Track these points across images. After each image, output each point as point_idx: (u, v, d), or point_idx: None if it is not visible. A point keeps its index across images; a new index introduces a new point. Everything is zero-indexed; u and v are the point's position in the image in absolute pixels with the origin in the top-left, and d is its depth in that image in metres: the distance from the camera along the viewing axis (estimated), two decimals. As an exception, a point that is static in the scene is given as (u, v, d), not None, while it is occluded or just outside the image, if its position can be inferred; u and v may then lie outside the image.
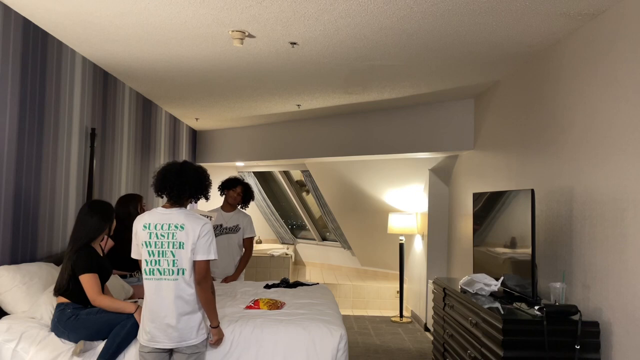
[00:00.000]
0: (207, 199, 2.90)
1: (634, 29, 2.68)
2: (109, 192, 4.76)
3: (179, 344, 2.69)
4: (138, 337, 2.79)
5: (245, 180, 4.92)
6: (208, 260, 2.73)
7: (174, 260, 2.69)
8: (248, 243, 4.75)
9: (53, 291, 3.06)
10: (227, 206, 4.77)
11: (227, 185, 4.75)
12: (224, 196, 4.80)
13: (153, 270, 2.70)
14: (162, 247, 2.71)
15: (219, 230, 4.69)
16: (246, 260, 4.75)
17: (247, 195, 4.78)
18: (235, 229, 4.72)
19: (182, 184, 2.74)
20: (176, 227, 2.71)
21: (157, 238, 2.71)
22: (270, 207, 9.64)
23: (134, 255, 2.82)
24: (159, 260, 2.70)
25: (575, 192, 3.21)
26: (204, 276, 2.73)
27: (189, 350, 2.71)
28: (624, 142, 2.73)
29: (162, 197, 2.82)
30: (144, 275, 2.74)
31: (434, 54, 3.88)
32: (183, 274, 2.70)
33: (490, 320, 3.06)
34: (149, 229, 2.72)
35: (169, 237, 2.71)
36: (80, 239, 3.04)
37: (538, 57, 3.81)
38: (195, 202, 2.86)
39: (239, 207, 4.84)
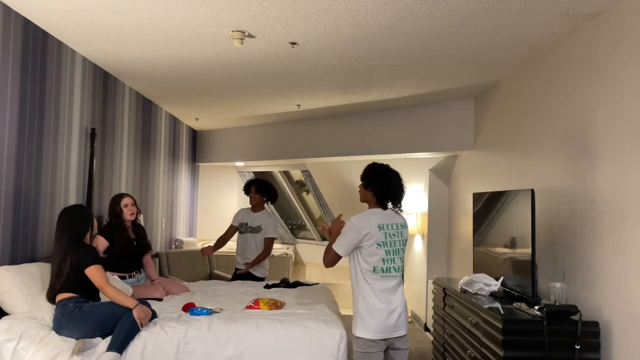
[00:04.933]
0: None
1: (634, 29, 2.68)
2: (109, 192, 4.76)
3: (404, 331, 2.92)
4: (370, 334, 2.82)
5: (260, 179, 5.28)
6: None
7: (401, 257, 2.95)
8: (267, 242, 4.99)
9: (47, 297, 3.08)
10: (254, 207, 5.13)
11: (245, 191, 5.17)
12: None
13: (390, 268, 2.88)
14: (394, 246, 2.91)
15: (244, 229, 5.05)
16: (262, 257, 4.97)
17: (263, 191, 5.08)
18: (257, 229, 5.01)
19: (402, 190, 3.00)
20: (402, 226, 2.98)
21: (390, 237, 2.90)
22: (270, 207, 9.64)
23: (345, 253, 2.87)
24: (394, 258, 2.90)
25: (575, 192, 3.21)
26: None
27: (404, 344, 2.92)
28: (624, 142, 2.73)
29: (387, 206, 2.97)
30: (378, 274, 2.85)
31: (434, 54, 3.87)
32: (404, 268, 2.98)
33: (490, 320, 3.06)
34: (383, 229, 2.88)
35: (399, 236, 2.94)
36: (63, 242, 3.12)
37: (538, 57, 3.81)
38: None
39: (265, 205, 5.17)
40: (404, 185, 3.02)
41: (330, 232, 3.02)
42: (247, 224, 5.05)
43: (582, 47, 3.20)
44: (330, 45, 3.71)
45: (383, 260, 2.86)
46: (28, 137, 3.43)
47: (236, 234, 5.15)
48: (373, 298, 2.83)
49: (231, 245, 8.53)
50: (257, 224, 5.02)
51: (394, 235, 2.92)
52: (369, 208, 3.00)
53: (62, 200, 3.90)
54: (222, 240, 5.12)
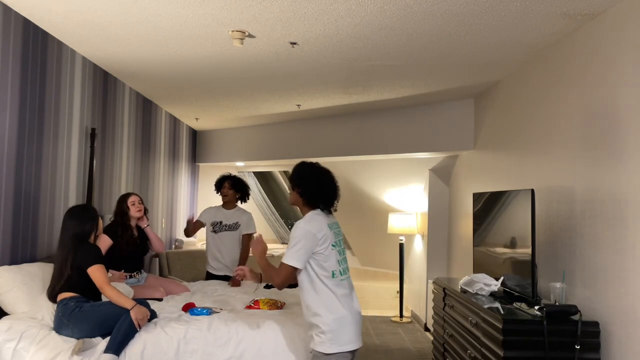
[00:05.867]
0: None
1: (634, 29, 2.68)
2: (109, 192, 4.76)
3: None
4: (343, 346, 2.57)
5: (234, 175, 5.00)
6: None
7: (346, 258, 2.78)
8: (246, 239, 4.80)
9: (48, 296, 3.09)
10: (226, 204, 4.88)
11: (218, 186, 4.89)
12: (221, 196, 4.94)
13: (345, 269, 2.72)
14: (342, 246, 2.76)
15: (219, 228, 4.80)
16: (245, 256, 4.80)
17: (238, 188, 4.86)
18: (235, 226, 4.80)
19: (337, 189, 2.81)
20: (339, 225, 2.81)
21: (337, 237, 2.73)
22: (270, 207, 9.64)
23: (303, 264, 2.60)
24: (344, 258, 2.75)
25: (575, 192, 3.21)
26: None
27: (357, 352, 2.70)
28: (624, 142, 2.73)
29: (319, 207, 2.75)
30: (337, 278, 2.63)
31: (434, 54, 3.87)
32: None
33: (490, 320, 3.06)
34: (332, 228, 2.71)
35: (341, 235, 2.79)
36: (68, 243, 3.12)
37: (538, 57, 3.81)
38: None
39: (238, 203, 4.93)
40: (337, 184, 2.79)
41: (250, 270, 2.89)
42: (221, 222, 4.78)
43: (582, 47, 3.20)
44: (330, 45, 3.71)
45: (338, 262, 2.65)
46: (28, 137, 3.43)
47: (203, 234, 4.82)
48: (339, 306, 2.59)
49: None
50: (234, 221, 4.79)
51: (338, 234, 2.75)
52: (304, 211, 2.77)
53: (62, 200, 3.90)
54: (190, 231, 4.81)
